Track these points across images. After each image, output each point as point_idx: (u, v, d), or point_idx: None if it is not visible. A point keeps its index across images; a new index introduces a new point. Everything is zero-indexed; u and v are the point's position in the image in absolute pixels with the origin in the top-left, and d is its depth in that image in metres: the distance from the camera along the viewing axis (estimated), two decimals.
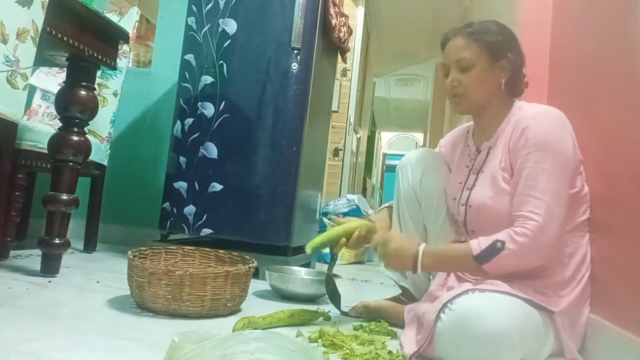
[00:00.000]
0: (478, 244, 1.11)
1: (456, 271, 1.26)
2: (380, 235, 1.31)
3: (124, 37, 1.80)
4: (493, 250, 1.09)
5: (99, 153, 2.20)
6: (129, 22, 2.27)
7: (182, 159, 2.10)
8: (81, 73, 1.65)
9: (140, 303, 1.30)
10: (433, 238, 1.38)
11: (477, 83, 1.22)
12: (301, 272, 1.84)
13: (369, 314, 1.45)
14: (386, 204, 1.56)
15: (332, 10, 2.19)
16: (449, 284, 1.26)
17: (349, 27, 2.45)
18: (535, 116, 1.14)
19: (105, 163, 2.29)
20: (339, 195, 3.74)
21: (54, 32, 1.46)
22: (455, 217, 1.33)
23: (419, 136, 10.86)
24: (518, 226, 1.08)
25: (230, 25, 2.08)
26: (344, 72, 3.89)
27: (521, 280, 1.09)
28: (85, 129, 1.67)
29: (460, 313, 0.97)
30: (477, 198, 1.23)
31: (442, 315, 1.00)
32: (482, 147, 1.27)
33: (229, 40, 2.08)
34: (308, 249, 1.38)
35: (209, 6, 2.12)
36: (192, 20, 2.16)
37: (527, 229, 1.06)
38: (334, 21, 2.22)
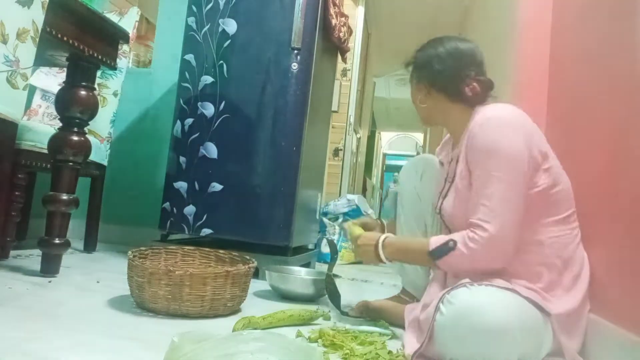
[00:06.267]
0: (436, 241, 1.16)
1: (416, 264, 1.37)
2: (354, 231, 1.41)
3: (124, 37, 1.80)
4: (446, 248, 1.13)
5: (99, 153, 2.20)
6: (129, 22, 2.28)
7: (182, 159, 2.10)
8: (81, 73, 1.65)
9: (140, 303, 1.30)
10: (433, 235, 1.39)
11: (413, 99, 1.36)
12: (301, 272, 1.85)
13: (369, 314, 1.45)
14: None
15: (332, 10, 2.19)
16: (447, 284, 1.26)
17: (349, 27, 2.45)
18: (482, 124, 1.14)
19: (105, 163, 2.29)
20: (339, 195, 3.74)
21: (54, 32, 1.46)
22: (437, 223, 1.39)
23: (419, 136, 10.85)
24: (471, 232, 1.10)
25: (230, 25, 2.08)
26: (344, 72, 3.89)
27: (518, 280, 1.09)
28: (85, 129, 1.67)
29: (460, 306, 0.97)
30: (446, 207, 1.27)
31: (442, 307, 1.00)
32: (453, 155, 1.30)
33: (229, 40, 2.08)
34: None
35: (209, 6, 2.12)
36: (192, 20, 2.16)
37: (478, 235, 1.08)
38: (334, 21, 2.22)
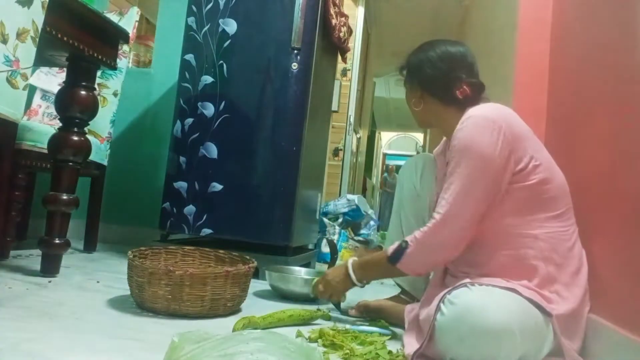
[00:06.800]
0: (391, 247, 1.21)
1: (384, 277, 1.39)
2: (317, 281, 1.45)
3: (124, 37, 1.80)
4: (400, 250, 1.19)
5: (99, 153, 2.20)
6: (129, 22, 2.27)
7: (182, 159, 2.10)
8: (81, 73, 1.65)
9: (140, 303, 1.30)
10: None
11: (408, 103, 1.39)
12: (301, 272, 1.85)
13: (369, 314, 1.45)
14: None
15: (332, 10, 2.19)
16: (447, 284, 1.26)
17: (349, 27, 2.45)
18: (462, 122, 1.17)
19: (105, 163, 2.29)
20: (339, 195, 3.74)
21: (54, 32, 1.46)
22: None
23: (419, 136, 10.86)
24: (425, 226, 1.17)
25: (230, 25, 2.08)
26: (344, 72, 3.90)
27: (519, 281, 1.09)
28: (85, 129, 1.67)
29: (461, 306, 0.97)
30: None
31: (442, 308, 1.00)
32: (448, 157, 1.30)
33: (229, 40, 2.08)
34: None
35: (209, 6, 2.12)
36: (192, 20, 2.16)
37: (427, 226, 1.16)
38: (334, 21, 2.22)
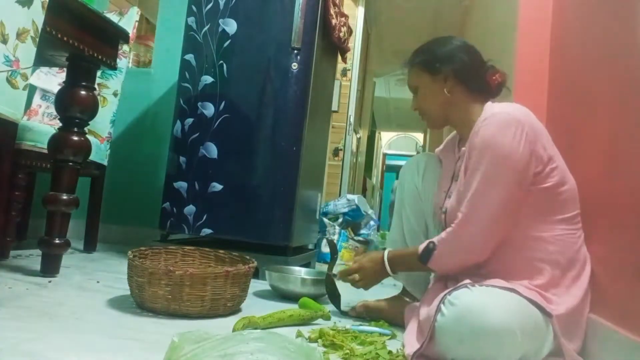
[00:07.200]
0: (421, 247, 1.23)
1: (416, 270, 1.37)
2: (351, 266, 1.44)
3: (124, 37, 1.79)
4: (427, 250, 1.20)
5: (99, 153, 2.20)
6: (129, 22, 2.27)
7: (182, 159, 2.10)
8: (81, 73, 1.65)
9: (140, 303, 1.30)
10: (434, 233, 1.39)
11: (426, 99, 1.33)
12: (301, 272, 1.84)
13: (369, 314, 1.45)
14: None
15: (332, 10, 2.19)
16: (448, 284, 1.26)
17: (349, 27, 2.45)
18: (486, 119, 1.16)
19: (105, 163, 2.29)
20: (339, 195, 3.74)
21: (54, 32, 1.46)
22: (441, 225, 1.37)
23: (419, 136, 10.85)
24: (450, 227, 1.18)
25: (230, 25, 2.08)
26: (344, 72, 3.89)
27: (520, 281, 1.09)
28: (85, 129, 1.67)
29: (461, 307, 0.97)
30: (449, 205, 1.27)
31: (443, 309, 1.00)
32: (460, 154, 1.29)
33: (229, 40, 2.08)
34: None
35: (209, 6, 2.12)
36: (192, 20, 2.16)
37: (452, 226, 1.17)
38: (334, 21, 2.22)
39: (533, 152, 1.12)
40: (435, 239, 1.20)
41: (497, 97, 1.30)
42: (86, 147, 1.67)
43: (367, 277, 1.40)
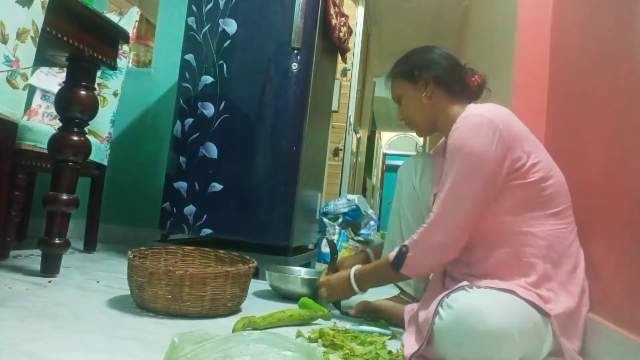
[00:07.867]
0: (392, 254, 1.23)
1: (387, 282, 1.39)
2: (321, 280, 1.49)
3: (124, 37, 1.80)
4: (400, 254, 1.21)
5: (99, 153, 2.20)
6: (129, 22, 2.28)
7: (182, 159, 2.10)
8: (81, 73, 1.65)
9: (140, 303, 1.30)
10: None
11: (410, 107, 1.37)
12: (301, 272, 1.85)
13: (369, 314, 1.45)
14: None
15: (332, 10, 2.19)
16: (446, 285, 1.26)
17: (349, 27, 2.45)
18: (459, 121, 1.18)
19: (105, 163, 2.29)
20: (339, 195, 3.74)
21: (54, 32, 1.46)
22: None
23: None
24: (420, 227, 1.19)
25: (230, 25, 2.08)
26: (344, 72, 3.89)
27: (516, 280, 1.09)
28: (85, 129, 1.67)
29: (459, 310, 0.97)
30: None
31: (440, 311, 1.00)
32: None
33: (229, 40, 2.08)
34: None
35: (209, 6, 2.12)
36: (192, 20, 2.16)
37: (422, 227, 1.18)
38: (334, 21, 2.22)
39: (509, 150, 1.13)
40: (406, 242, 1.21)
41: (479, 99, 1.33)
42: (86, 147, 1.67)
43: (333, 295, 1.45)
